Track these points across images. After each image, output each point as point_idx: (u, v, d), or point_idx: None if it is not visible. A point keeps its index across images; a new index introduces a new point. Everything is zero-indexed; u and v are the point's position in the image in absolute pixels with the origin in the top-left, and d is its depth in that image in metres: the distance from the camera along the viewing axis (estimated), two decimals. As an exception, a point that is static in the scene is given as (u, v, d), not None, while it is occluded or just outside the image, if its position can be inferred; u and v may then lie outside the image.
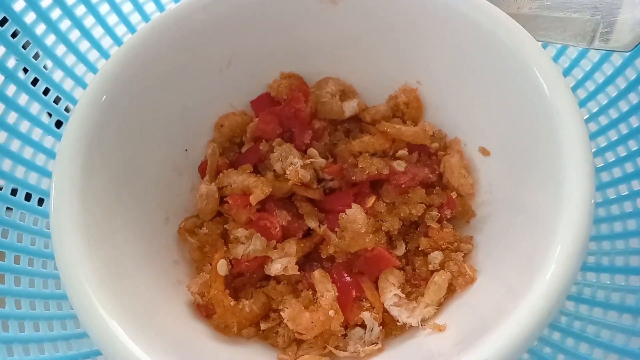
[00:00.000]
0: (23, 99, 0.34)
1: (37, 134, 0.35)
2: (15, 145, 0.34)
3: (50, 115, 0.37)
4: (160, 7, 0.41)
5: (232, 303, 0.28)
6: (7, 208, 0.33)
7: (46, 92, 0.36)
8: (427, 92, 0.34)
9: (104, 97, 0.28)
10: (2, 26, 0.32)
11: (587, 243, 0.22)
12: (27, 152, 0.35)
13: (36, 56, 0.35)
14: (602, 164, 0.36)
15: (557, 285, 0.21)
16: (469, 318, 0.25)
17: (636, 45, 0.24)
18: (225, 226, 0.31)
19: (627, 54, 0.33)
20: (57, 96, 0.37)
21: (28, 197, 0.34)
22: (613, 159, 0.35)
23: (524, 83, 0.26)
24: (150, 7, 0.41)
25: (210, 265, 0.29)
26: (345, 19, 0.33)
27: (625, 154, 0.35)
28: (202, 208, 0.31)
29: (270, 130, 0.33)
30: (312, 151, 0.32)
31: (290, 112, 0.33)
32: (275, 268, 0.28)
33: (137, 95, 0.30)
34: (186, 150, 0.34)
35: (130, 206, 0.29)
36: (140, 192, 0.30)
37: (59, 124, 0.37)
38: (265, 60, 0.35)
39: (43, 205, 0.35)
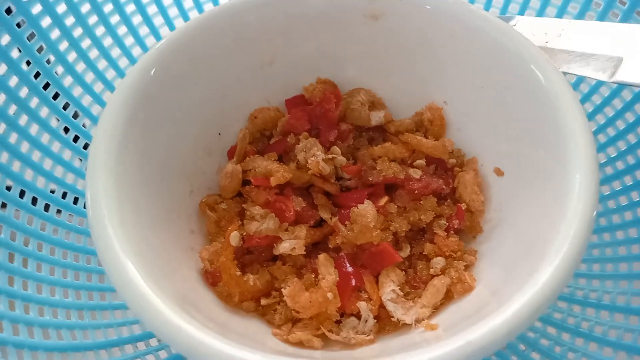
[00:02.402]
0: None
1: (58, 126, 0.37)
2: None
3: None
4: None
5: (238, 273, 0.29)
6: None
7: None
8: (451, 112, 0.36)
9: (154, 70, 0.31)
10: (29, 41, 0.34)
11: (577, 264, 0.23)
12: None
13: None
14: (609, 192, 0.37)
15: (542, 295, 0.22)
16: (459, 318, 0.26)
17: (653, 82, 0.26)
18: (243, 205, 0.33)
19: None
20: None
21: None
22: (619, 187, 0.37)
23: (540, 107, 0.28)
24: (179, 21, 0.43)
25: (224, 238, 0.31)
26: (383, 35, 0.35)
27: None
28: (225, 185, 0.33)
29: (300, 125, 0.35)
30: (335, 149, 0.34)
31: (320, 111, 0.35)
32: (284, 246, 0.30)
33: (184, 75, 0.32)
34: (219, 134, 0.36)
35: (159, 172, 0.31)
36: (171, 161, 0.32)
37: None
38: (304, 64, 0.37)
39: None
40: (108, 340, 0.32)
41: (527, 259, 0.25)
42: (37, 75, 0.35)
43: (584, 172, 0.25)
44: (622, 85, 0.36)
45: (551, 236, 0.23)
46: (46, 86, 0.36)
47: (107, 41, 0.40)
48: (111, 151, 0.27)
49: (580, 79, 0.39)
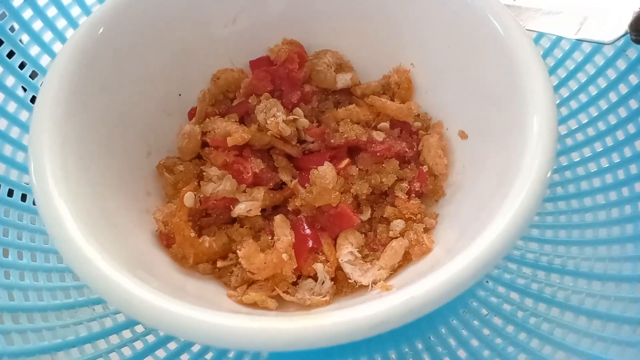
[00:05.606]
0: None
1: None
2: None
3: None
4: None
5: (192, 234, 0.28)
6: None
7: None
8: (419, 75, 0.35)
9: (102, 29, 0.29)
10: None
11: (529, 221, 0.22)
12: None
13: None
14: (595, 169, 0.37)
15: (490, 252, 0.21)
16: (414, 278, 0.26)
17: (616, 39, 0.25)
18: (202, 168, 0.32)
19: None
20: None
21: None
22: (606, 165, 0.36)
23: (503, 67, 0.27)
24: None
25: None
26: (351, -5, 0.34)
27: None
28: (183, 146, 0.32)
29: (262, 86, 0.34)
30: (298, 111, 0.33)
31: (284, 72, 0.34)
32: (240, 208, 0.29)
33: (139, 32, 0.31)
34: (180, 95, 0.35)
35: (114, 132, 0.30)
36: (127, 121, 0.31)
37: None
38: (270, 25, 0.36)
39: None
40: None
41: (480, 217, 0.24)
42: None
43: (541, 131, 0.24)
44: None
45: (504, 194, 0.23)
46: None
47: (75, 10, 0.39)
48: (59, 105, 0.26)
49: (542, 34, 0.38)
